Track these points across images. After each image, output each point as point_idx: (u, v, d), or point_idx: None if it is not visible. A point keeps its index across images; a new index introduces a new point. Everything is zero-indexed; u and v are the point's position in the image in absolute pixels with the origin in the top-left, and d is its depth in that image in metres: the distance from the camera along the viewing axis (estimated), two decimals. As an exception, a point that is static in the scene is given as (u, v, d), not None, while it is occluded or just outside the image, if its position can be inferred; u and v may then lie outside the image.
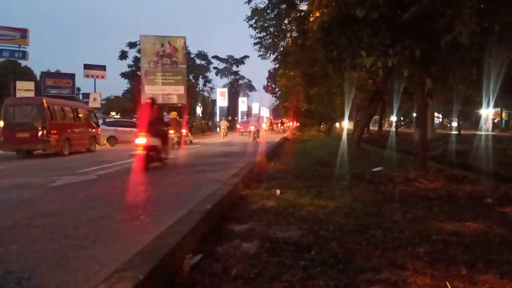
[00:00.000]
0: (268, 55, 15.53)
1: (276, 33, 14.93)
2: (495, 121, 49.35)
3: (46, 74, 42.85)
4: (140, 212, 5.32)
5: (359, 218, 4.20)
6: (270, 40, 15.08)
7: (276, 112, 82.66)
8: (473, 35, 4.75)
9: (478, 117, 41.52)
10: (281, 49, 15.97)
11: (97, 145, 20.10)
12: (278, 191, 5.60)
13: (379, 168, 8.37)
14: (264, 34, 14.88)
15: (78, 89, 50.02)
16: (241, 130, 39.55)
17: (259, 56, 15.87)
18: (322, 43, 6.69)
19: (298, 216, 4.18)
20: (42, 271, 3.19)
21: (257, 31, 15.17)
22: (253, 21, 14.74)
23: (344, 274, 2.74)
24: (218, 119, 60.27)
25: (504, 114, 51.59)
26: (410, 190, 6.21)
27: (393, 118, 23.86)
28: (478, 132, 29.30)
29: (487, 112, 37.67)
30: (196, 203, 4.30)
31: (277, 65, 21.82)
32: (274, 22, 14.74)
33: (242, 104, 74.99)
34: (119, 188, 7.39)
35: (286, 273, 2.74)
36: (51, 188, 7.55)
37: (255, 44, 15.10)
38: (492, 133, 34.22)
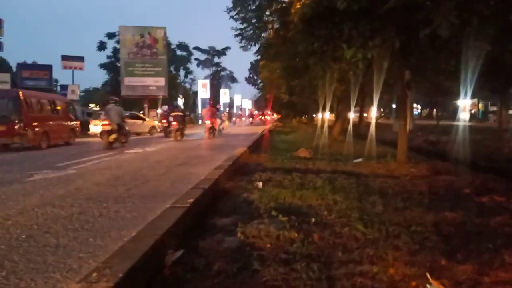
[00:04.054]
0: (249, 46, 15.47)
1: (257, 24, 14.84)
2: (472, 112, 50.35)
3: (22, 66, 41.71)
4: (121, 206, 5.25)
5: (340, 210, 4.24)
6: (252, 32, 14.98)
7: (258, 104, 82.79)
8: (452, 28, 4.81)
9: (456, 108, 42.24)
10: (263, 40, 15.90)
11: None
12: (260, 184, 5.60)
13: (359, 160, 8.46)
14: (246, 25, 14.77)
15: (56, 80, 48.92)
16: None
17: (240, 47, 15.77)
18: (303, 35, 6.69)
19: (280, 209, 4.18)
20: (20, 269, 3.12)
21: (238, 22, 15.05)
22: (235, 12, 14.61)
23: (326, 267, 2.76)
24: (199, 111, 59.90)
25: (480, 105, 52.66)
26: (390, 182, 6.29)
27: (374, 111, 24.12)
28: (455, 123, 29.87)
29: (465, 103, 38.38)
30: (178, 198, 4.26)
31: (259, 57, 21.76)
32: (255, 13, 14.63)
33: (224, 95, 74.72)
34: (99, 183, 7.26)
35: (268, 266, 2.74)
36: (28, 183, 7.38)
37: (236, 35, 14.99)
38: (469, 123, 34.91)
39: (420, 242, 3.26)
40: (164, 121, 22.45)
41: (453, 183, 6.12)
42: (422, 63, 6.69)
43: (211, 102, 24.86)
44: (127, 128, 16.66)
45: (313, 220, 3.80)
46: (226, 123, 33.56)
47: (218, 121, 23.94)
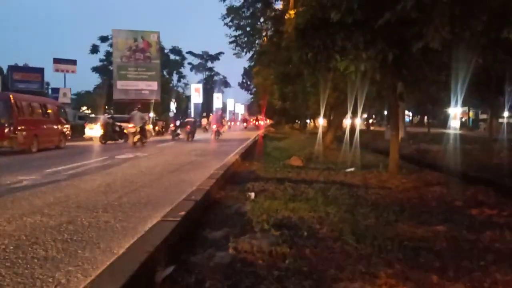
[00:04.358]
0: (243, 53, 15.53)
1: (251, 32, 14.91)
2: (463, 120, 50.79)
3: (13, 68, 41.36)
4: (111, 215, 5.19)
5: (332, 223, 4.22)
6: (246, 39, 15.05)
7: (251, 109, 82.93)
8: (444, 41, 4.84)
9: (447, 116, 42.56)
10: (257, 48, 15.98)
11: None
12: (252, 194, 5.57)
13: (351, 169, 8.48)
14: (240, 32, 14.85)
15: (47, 83, 48.51)
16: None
17: (234, 54, 15.84)
18: (297, 44, 6.70)
19: (272, 222, 4.15)
20: (7, 283, 3.06)
21: (232, 29, 15.10)
22: (229, 19, 14.68)
23: (319, 284, 2.73)
24: (192, 116, 59.84)
25: (471, 113, 53.17)
26: (382, 193, 6.31)
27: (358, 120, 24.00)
28: (446, 131, 30.18)
29: (455, 111, 38.73)
30: (169, 210, 4.21)
31: (252, 63, 21.86)
32: (249, 21, 14.71)
33: (217, 100, 74.71)
34: (89, 190, 7.17)
35: (260, 284, 2.72)
36: (17, 189, 7.27)
37: (231, 42, 15.05)
38: (460, 131, 35.26)
39: (412, 258, 3.26)
40: (172, 125, 25.61)
41: (444, 195, 6.15)
42: (414, 75, 6.74)
43: (216, 110, 30.32)
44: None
45: (305, 234, 3.78)
46: (226, 127, 37.47)
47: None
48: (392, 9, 4.81)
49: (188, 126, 22.95)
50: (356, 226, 4.11)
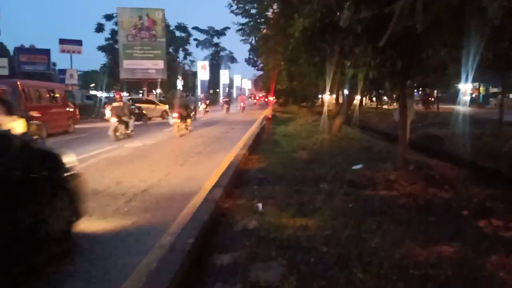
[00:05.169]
0: (250, 40, 15.31)
1: (258, 18, 14.65)
2: (473, 95, 49.95)
3: (20, 50, 41.20)
4: (120, 225, 5.27)
5: (339, 244, 4.24)
6: (252, 27, 14.81)
7: (258, 84, 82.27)
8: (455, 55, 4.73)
9: (457, 91, 41.81)
10: (263, 32, 15.72)
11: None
12: (260, 205, 5.59)
13: (359, 166, 8.45)
14: (247, 20, 14.60)
15: (54, 64, 48.33)
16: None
17: (241, 41, 15.62)
18: (303, 48, 6.58)
19: (279, 243, 4.19)
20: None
21: (240, 11, 14.82)
22: (234, 5, 14.42)
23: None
24: (199, 93, 59.63)
25: (481, 89, 52.22)
26: (389, 197, 6.31)
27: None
28: (456, 107, 29.85)
29: (465, 88, 38.03)
30: (177, 236, 4.26)
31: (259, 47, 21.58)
32: (255, 5, 14.43)
33: (224, 76, 74.16)
34: (98, 192, 7.21)
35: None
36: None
37: (238, 30, 14.85)
38: (470, 107, 34.86)
39: (418, 290, 3.29)
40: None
41: (451, 201, 6.12)
42: (424, 75, 6.61)
43: (243, 92, 38.58)
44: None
45: (312, 260, 3.82)
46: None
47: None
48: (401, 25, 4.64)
49: (226, 105, 36.30)
50: (363, 248, 4.11)
